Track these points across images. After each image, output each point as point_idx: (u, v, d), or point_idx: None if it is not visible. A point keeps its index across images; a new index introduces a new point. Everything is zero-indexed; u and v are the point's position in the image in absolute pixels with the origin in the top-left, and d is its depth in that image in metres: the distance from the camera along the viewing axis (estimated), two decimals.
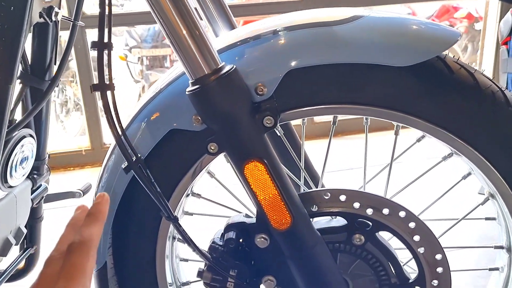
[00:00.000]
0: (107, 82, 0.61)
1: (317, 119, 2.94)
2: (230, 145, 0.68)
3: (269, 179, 0.67)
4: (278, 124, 0.78)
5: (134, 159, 0.64)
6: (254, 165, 0.67)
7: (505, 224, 0.82)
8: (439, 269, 0.78)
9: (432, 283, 0.79)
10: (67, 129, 4.03)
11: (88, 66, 2.63)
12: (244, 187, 0.70)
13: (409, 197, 0.88)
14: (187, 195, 0.88)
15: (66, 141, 3.46)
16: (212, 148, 0.70)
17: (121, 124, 0.62)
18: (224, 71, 0.65)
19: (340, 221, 0.79)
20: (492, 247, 0.84)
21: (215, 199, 0.90)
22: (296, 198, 0.71)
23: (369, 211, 0.77)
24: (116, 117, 0.61)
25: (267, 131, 0.69)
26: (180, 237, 0.79)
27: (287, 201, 0.68)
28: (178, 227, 0.71)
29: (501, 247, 0.84)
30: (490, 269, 0.88)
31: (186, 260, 0.96)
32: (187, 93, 0.67)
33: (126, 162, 0.64)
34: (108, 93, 0.61)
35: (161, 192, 0.76)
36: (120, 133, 0.61)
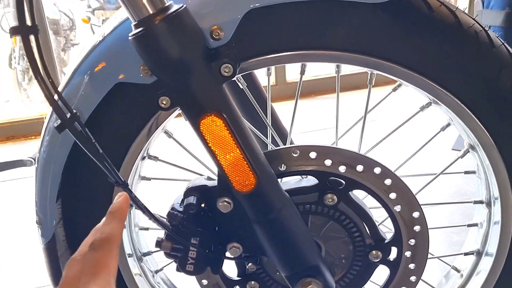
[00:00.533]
0: (30, 24, 0.51)
1: (290, 78, 2.86)
2: (183, 98, 0.59)
3: (229, 135, 0.59)
4: (238, 74, 0.70)
5: (68, 116, 0.55)
6: (211, 120, 0.59)
7: (485, 178, 0.77)
8: (416, 228, 0.73)
9: (409, 242, 0.74)
10: (30, 97, 3.84)
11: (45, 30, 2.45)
12: (202, 146, 0.61)
13: (384, 153, 0.82)
14: (143, 158, 0.80)
15: (30, 109, 3.29)
16: (164, 102, 0.61)
17: (48, 72, 0.52)
18: (171, 10, 0.55)
19: (310, 181, 0.73)
20: (471, 202, 0.80)
21: (175, 162, 0.81)
22: (261, 156, 0.64)
23: (342, 169, 0.70)
24: (42, 65, 0.51)
25: (226, 81, 0.60)
26: (137, 208, 0.71)
27: (251, 160, 0.61)
28: (129, 193, 0.63)
29: (481, 202, 0.79)
30: (469, 225, 0.83)
31: (147, 229, 0.89)
32: (130, 37, 0.57)
33: (59, 120, 0.54)
34: (32, 37, 0.51)
35: (111, 155, 0.67)
36: (48, 85, 0.51)
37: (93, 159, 0.61)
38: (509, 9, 1.77)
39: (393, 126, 0.77)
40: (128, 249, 0.85)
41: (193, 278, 0.81)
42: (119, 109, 0.70)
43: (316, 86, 2.85)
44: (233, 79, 0.70)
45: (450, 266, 0.87)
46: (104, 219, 0.52)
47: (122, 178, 0.61)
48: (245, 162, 0.61)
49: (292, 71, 2.92)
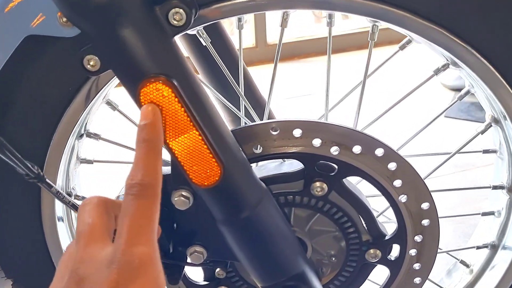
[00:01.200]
0: None
1: (271, 39, 2.65)
2: (116, 56, 0.42)
3: (182, 110, 0.42)
4: (199, 26, 0.52)
5: None
6: (156, 88, 0.41)
7: (509, 158, 0.62)
8: (425, 222, 0.59)
9: (415, 239, 0.60)
10: None
11: None
12: None
13: (385, 129, 0.66)
14: (80, 136, 0.63)
15: None
16: (91, 63, 0.44)
17: None
18: None
19: (294, 165, 0.57)
20: (489, 187, 0.66)
21: (121, 141, 0.64)
22: (228, 137, 0.47)
23: (334, 150, 0.55)
24: None
25: (177, 34, 0.43)
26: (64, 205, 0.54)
27: (213, 143, 0.44)
28: (48, 188, 0.46)
29: (501, 187, 0.65)
30: (483, 214, 0.70)
31: None
32: None
33: None
34: None
35: (32, 135, 0.51)
36: None
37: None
38: None
39: (399, 95, 0.61)
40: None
41: None
42: (35, 72, 0.52)
43: (301, 48, 2.65)
44: (190, 31, 0.53)
45: (458, 259, 0.74)
46: (137, 150, 0.40)
47: (33, 169, 0.44)
48: (206, 146, 0.44)
49: (274, 31, 2.70)
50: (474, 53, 0.52)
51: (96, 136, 0.64)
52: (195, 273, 0.65)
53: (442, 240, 0.60)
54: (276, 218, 0.53)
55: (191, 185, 0.48)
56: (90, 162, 0.66)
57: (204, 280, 0.65)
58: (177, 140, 0.44)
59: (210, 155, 0.45)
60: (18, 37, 0.48)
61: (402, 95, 0.62)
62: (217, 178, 0.46)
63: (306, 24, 2.78)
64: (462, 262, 0.74)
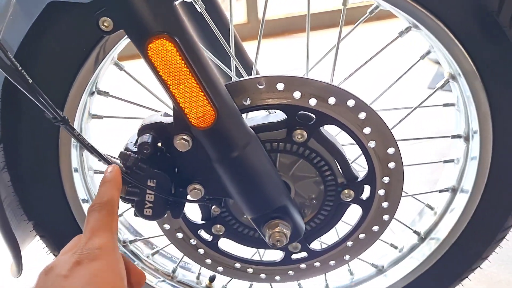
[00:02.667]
0: None
1: (267, 15, 2.71)
2: (127, 18, 0.50)
3: (182, 62, 0.51)
4: None
5: None
6: (160, 43, 0.50)
7: (465, 110, 0.72)
8: (391, 165, 0.69)
9: (383, 180, 0.70)
10: None
11: None
12: (153, 74, 0.53)
13: (360, 86, 0.75)
14: (92, 93, 0.71)
15: None
16: (105, 24, 0.52)
17: None
18: None
19: (278, 116, 0.66)
20: (449, 136, 0.75)
21: (129, 98, 0.73)
22: (221, 87, 0.56)
23: (312, 102, 0.64)
24: None
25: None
26: (84, 147, 0.63)
27: (208, 91, 0.53)
28: (71, 131, 0.55)
29: (459, 136, 0.75)
30: (445, 162, 0.80)
31: (102, 172, 0.81)
32: None
33: None
34: None
35: (52, 90, 0.59)
36: None
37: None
38: None
39: (370, 50, 0.69)
40: (82, 195, 0.79)
41: (154, 223, 0.76)
42: (55, 35, 0.60)
43: (290, 24, 2.72)
44: None
45: (424, 204, 0.84)
46: (98, 190, 0.54)
47: (61, 113, 0.53)
48: (202, 93, 0.53)
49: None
50: (431, 17, 0.61)
51: (105, 94, 0.72)
52: (194, 215, 0.75)
53: (415, 187, 0.69)
54: (262, 159, 0.62)
55: (190, 128, 0.57)
56: (100, 117, 0.75)
57: (202, 220, 0.75)
58: (178, 88, 0.53)
59: (206, 101, 0.54)
60: (41, 5, 0.56)
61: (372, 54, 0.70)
62: (212, 121, 0.55)
63: (296, 1, 2.83)
64: (428, 205, 0.84)
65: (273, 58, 2.17)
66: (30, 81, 0.49)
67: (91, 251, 0.44)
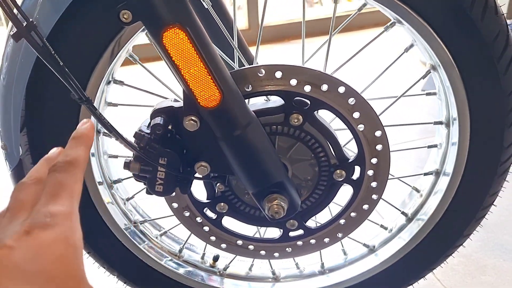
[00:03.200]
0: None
1: (268, 21, 2.80)
2: (145, 9, 0.58)
3: (192, 48, 0.59)
4: None
5: (24, 24, 0.53)
6: (174, 32, 0.58)
7: (445, 99, 0.79)
8: (379, 147, 0.76)
9: (371, 161, 0.77)
10: None
11: None
12: (166, 61, 0.61)
13: (352, 76, 0.83)
14: (108, 82, 0.79)
15: None
16: (125, 17, 0.59)
17: None
18: None
19: (277, 102, 0.74)
20: (431, 123, 0.83)
21: (142, 87, 0.81)
22: (226, 72, 0.64)
23: (307, 88, 0.71)
24: None
25: None
26: (102, 127, 0.71)
27: (215, 75, 0.61)
28: (94, 111, 0.62)
29: (440, 123, 0.82)
30: (429, 147, 0.87)
31: (116, 157, 0.89)
32: None
33: (15, 28, 0.53)
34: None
35: (75, 77, 0.66)
36: None
37: (54, 74, 0.60)
38: None
39: (361, 43, 0.77)
40: (98, 177, 0.86)
41: (164, 206, 0.83)
42: (79, 28, 0.68)
43: (290, 30, 2.81)
44: None
45: (411, 186, 0.91)
46: (67, 144, 0.48)
47: (85, 94, 0.60)
48: (210, 77, 0.61)
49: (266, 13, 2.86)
50: (412, 13, 0.69)
51: (121, 83, 0.80)
52: (200, 194, 0.82)
53: (403, 172, 0.76)
54: (262, 138, 0.69)
55: (199, 109, 0.65)
56: (115, 105, 0.83)
57: (207, 199, 0.82)
58: (189, 72, 0.60)
59: (213, 83, 0.61)
60: (67, 0, 0.64)
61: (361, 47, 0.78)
62: (218, 102, 0.63)
63: (297, 7, 2.92)
64: (414, 188, 0.91)
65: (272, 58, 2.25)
66: (61, 63, 0.57)
67: (43, 220, 0.38)
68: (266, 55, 2.58)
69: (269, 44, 2.76)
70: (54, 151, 0.52)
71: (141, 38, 0.75)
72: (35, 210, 0.40)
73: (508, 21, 2.05)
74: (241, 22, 2.78)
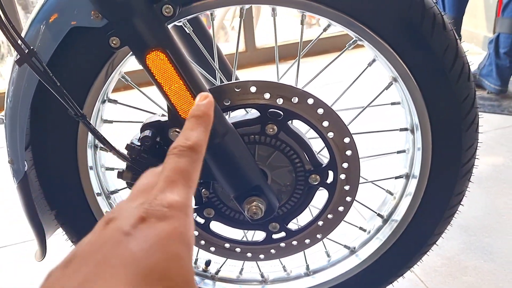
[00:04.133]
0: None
1: (259, 44, 2.92)
2: (130, 36, 0.67)
3: (172, 68, 0.68)
4: (184, 18, 0.78)
5: (26, 52, 0.62)
6: (156, 54, 0.67)
7: (408, 107, 0.87)
8: (348, 152, 0.83)
9: (342, 165, 0.84)
10: (3, 75, 3.83)
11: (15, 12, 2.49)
12: (151, 79, 0.70)
13: (324, 91, 0.91)
14: (103, 102, 0.88)
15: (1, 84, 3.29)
16: (114, 42, 0.69)
17: (8, 18, 0.59)
18: None
19: (254, 114, 0.82)
20: (397, 129, 0.90)
21: (134, 104, 0.90)
22: (203, 87, 0.72)
23: (280, 101, 0.79)
24: (3, 14, 0.58)
25: (168, 21, 0.68)
26: (97, 140, 0.79)
27: (193, 90, 0.70)
28: (88, 125, 0.71)
29: (406, 129, 0.90)
30: (398, 152, 0.94)
31: (112, 169, 0.97)
32: None
33: (18, 55, 0.62)
34: None
35: (72, 98, 0.75)
36: (5, 22, 0.58)
37: (59, 103, 0.69)
38: None
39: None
40: (96, 189, 0.94)
41: None
42: (76, 53, 0.77)
43: (287, 50, 2.91)
44: (178, 23, 0.79)
45: (385, 190, 0.98)
46: (186, 123, 0.42)
47: (80, 111, 0.69)
48: (188, 92, 0.69)
49: (261, 37, 2.98)
50: (369, 32, 0.77)
51: (114, 102, 0.89)
52: None
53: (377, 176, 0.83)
54: (239, 145, 0.77)
55: (181, 121, 0.73)
56: (110, 122, 0.92)
57: (195, 205, 0.89)
58: (170, 88, 0.69)
59: (192, 98, 0.70)
60: (63, 32, 0.73)
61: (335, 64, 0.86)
62: None
63: (294, 28, 3.03)
64: (388, 191, 0.98)
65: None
66: (58, 84, 0.66)
67: (160, 209, 0.35)
68: (263, 76, 2.68)
69: (266, 65, 2.87)
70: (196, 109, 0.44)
71: (134, 63, 0.84)
72: (152, 195, 0.36)
73: (491, 36, 2.14)
74: (233, 45, 2.89)
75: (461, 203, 0.92)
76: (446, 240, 1.27)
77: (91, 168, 0.93)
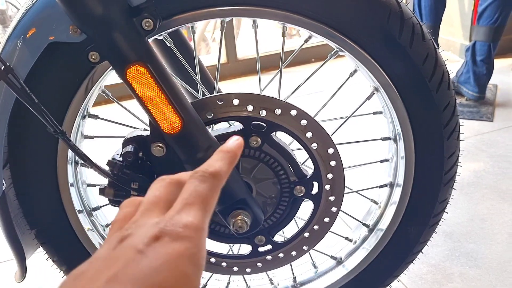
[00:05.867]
0: None
1: (241, 55, 2.93)
2: (110, 51, 0.66)
3: (153, 82, 0.67)
4: (164, 32, 0.77)
5: (3, 68, 0.61)
6: (136, 69, 0.66)
7: (390, 116, 0.87)
8: (332, 163, 0.83)
9: (327, 176, 0.84)
10: None
11: None
12: (131, 94, 0.69)
13: (307, 101, 0.91)
14: (84, 117, 0.86)
15: None
16: (93, 57, 0.68)
17: None
18: None
19: (237, 126, 0.81)
20: (380, 139, 0.91)
21: (115, 119, 0.88)
22: (185, 101, 0.71)
23: (263, 113, 0.79)
24: None
25: (148, 35, 0.68)
26: (77, 157, 0.78)
27: (175, 104, 0.69)
28: (68, 142, 0.70)
29: (389, 138, 0.90)
30: (382, 161, 0.95)
31: (94, 185, 0.95)
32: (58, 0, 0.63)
33: None
34: None
35: (51, 113, 0.74)
36: None
37: (32, 113, 0.67)
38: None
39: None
40: (77, 206, 0.92)
41: None
42: (54, 69, 0.76)
43: (269, 61, 2.93)
44: (158, 37, 0.78)
45: (369, 199, 0.98)
46: (213, 155, 0.44)
47: (60, 127, 0.68)
48: (170, 106, 0.68)
49: (243, 48, 2.98)
50: (350, 43, 0.78)
51: (95, 117, 0.88)
52: None
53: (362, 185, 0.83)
54: None
55: (164, 136, 0.72)
56: (91, 137, 0.90)
57: None
58: (152, 103, 0.68)
59: (173, 112, 0.69)
60: (40, 48, 0.72)
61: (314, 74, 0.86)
62: (179, 128, 0.70)
63: (274, 39, 3.04)
64: (373, 200, 0.98)
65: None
66: (36, 101, 0.64)
67: (175, 229, 0.35)
68: (246, 86, 2.69)
69: (248, 76, 2.87)
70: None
71: (115, 77, 0.83)
72: (168, 215, 0.37)
73: (468, 44, 2.18)
74: (214, 57, 2.89)
75: (445, 210, 0.92)
76: (431, 247, 1.28)
77: (71, 185, 0.91)
